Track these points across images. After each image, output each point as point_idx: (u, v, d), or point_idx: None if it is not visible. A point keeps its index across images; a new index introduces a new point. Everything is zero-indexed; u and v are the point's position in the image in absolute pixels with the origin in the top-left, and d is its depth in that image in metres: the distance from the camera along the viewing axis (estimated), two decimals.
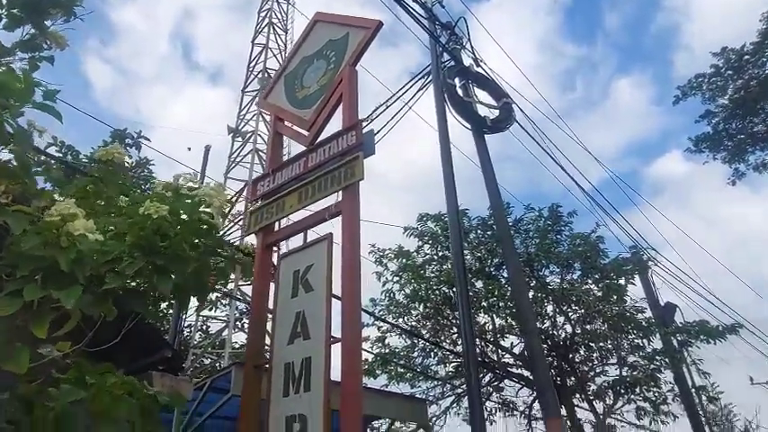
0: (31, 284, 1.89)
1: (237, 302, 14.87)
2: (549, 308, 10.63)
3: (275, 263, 3.82)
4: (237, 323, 15.48)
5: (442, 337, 10.74)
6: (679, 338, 10.16)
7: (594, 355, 10.92)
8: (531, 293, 9.83)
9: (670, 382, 10.14)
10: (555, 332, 10.47)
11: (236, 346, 14.17)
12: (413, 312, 10.60)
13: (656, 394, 10.14)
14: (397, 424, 8.75)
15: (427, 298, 10.29)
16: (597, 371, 10.62)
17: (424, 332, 10.67)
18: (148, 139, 7.42)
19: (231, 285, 12.96)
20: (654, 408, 10.19)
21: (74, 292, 1.90)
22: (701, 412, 10.43)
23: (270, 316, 3.71)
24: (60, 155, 4.57)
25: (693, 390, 10.07)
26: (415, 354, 10.80)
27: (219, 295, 13.81)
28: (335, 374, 2.98)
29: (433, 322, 10.70)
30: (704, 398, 12.90)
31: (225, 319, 15.28)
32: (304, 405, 2.91)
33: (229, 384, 6.46)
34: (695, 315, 11.17)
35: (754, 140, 16.26)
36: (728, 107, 16.05)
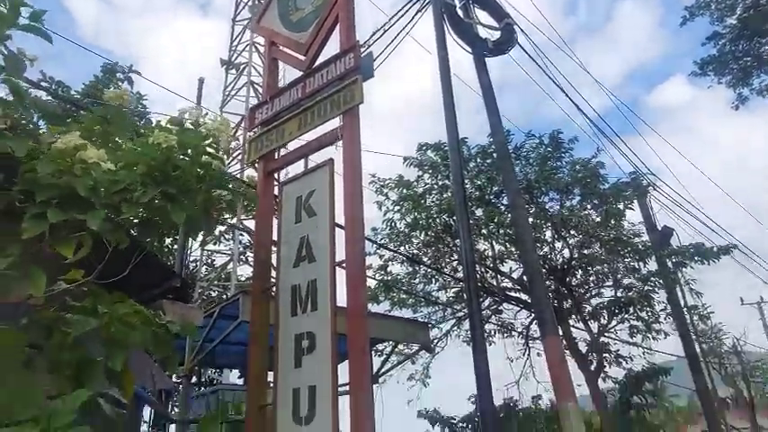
0: (53, 208, 1.92)
1: (241, 236, 15.11)
2: (548, 234, 10.80)
3: (277, 192, 3.84)
4: (242, 257, 15.81)
5: (443, 264, 11.00)
6: (674, 260, 10.40)
7: (591, 278, 11.24)
8: (530, 220, 9.97)
9: (663, 302, 10.51)
10: (553, 257, 10.70)
11: (242, 278, 14.53)
12: (414, 241, 10.79)
13: (650, 314, 10.54)
14: (401, 346, 9.14)
15: (428, 226, 10.44)
16: (593, 293, 10.97)
17: (425, 259, 10.92)
18: (139, 73, 7.23)
19: (234, 220, 13.11)
20: (646, 326, 10.62)
21: (97, 215, 1.94)
22: (691, 330, 10.81)
23: (275, 243, 3.78)
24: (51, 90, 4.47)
25: (685, 309, 10.43)
26: (417, 280, 11.12)
27: (223, 229, 14.00)
28: (341, 301, 3.08)
29: (434, 250, 10.92)
30: (695, 317, 13.42)
31: (229, 252, 15.59)
32: (312, 323, 3.04)
33: (238, 311, 6.71)
34: (691, 239, 11.39)
35: (759, 63, 15.79)
36: (736, 27, 15.44)
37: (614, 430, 8.95)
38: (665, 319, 10.67)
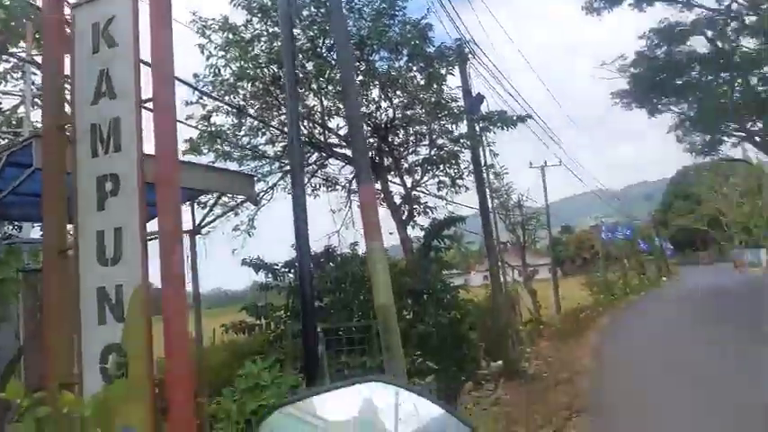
0: None
1: (34, 75, 12.67)
2: (375, 93, 11.11)
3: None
4: (36, 100, 13.42)
5: (271, 117, 10.77)
6: (481, 125, 11.67)
7: (411, 138, 12.13)
8: (359, 78, 10.08)
9: (467, 161, 11.92)
10: (378, 116, 11.16)
11: (38, 125, 12.49)
12: (240, 91, 10.25)
13: (456, 171, 11.93)
14: (225, 198, 9.08)
15: (255, 77, 9.93)
16: (411, 151, 11.95)
17: (251, 111, 10.54)
18: None
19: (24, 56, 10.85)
20: (452, 182, 12.07)
21: None
22: (486, 186, 12.51)
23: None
24: None
25: (484, 168, 12.03)
26: (243, 133, 10.80)
27: (9, 66, 11.61)
28: (149, 149, 2.88)
29: (262, 102, 10.56)
30: (492, 175, 15.64)
31: (20, 93, 13.11)
32: (115, 164, 2.85)
33: (32, 158, 5.90)
34: (498, 107, 12.79)
35: None
36: None
37: (417, 268, 10.43)
38: (467, 176, 12.19)
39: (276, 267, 9.66)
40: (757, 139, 26.26)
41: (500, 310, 11.34)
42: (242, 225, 11.19)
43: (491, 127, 11.53)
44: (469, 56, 12.87)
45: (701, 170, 60.81)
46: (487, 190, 13.78)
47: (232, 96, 10.26)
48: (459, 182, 12.18)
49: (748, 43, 23.78)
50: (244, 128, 10.76)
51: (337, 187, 12.06)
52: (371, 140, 10.85)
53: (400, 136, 11.99)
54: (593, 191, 40.07)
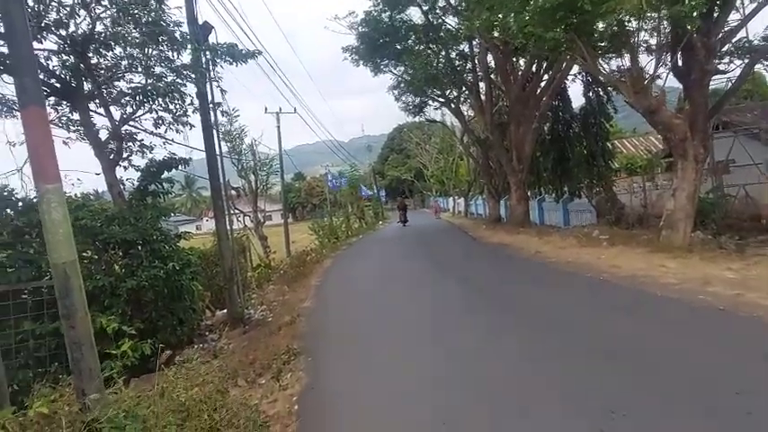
0: None
1: None
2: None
3: None
4: None
5: None
6: (208, 56, 10.55)
7: (122, 62, 10.22)
8: None
9: (191, 96, 10.70)
10: (73, 24, 8.97)
11: None
12: None
13: (178, 106, 10.63)
14: None
15: None
16: (120, 77, 10.08)
17: None
18: None
19: None
20: (174, 118, 10.75)
21: None
22: (214, 126, 11.54)
23: None
24: None
25: (212, 105, 10.99)
26: None
27: None
28: None
29: None
30: (221, 115, 14.58)
31: None
32: None
33: None
34: (228, 39, 11.73)
35: None
36: None
37: (131, 214, 9.06)
38: (193, 112, 10.98)
39: None
40: (452, 105, 31.32)
41: (226, 257, 10.84)
42: None
43: (218, 60, 10.53)
44: None
45: (411, 128, 70.18)
46: (215, 131, 12.80)
47: None
48: (183, 119, 10.93)
49: (451, 21, 27.69)
50: None
51: (15, 112, 9.43)
52: (63, 56, 8.69)
53: (108, 58, 9.98)
54: (324, 141, 42.21)
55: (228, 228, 11.01)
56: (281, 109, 30.26)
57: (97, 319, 7.02)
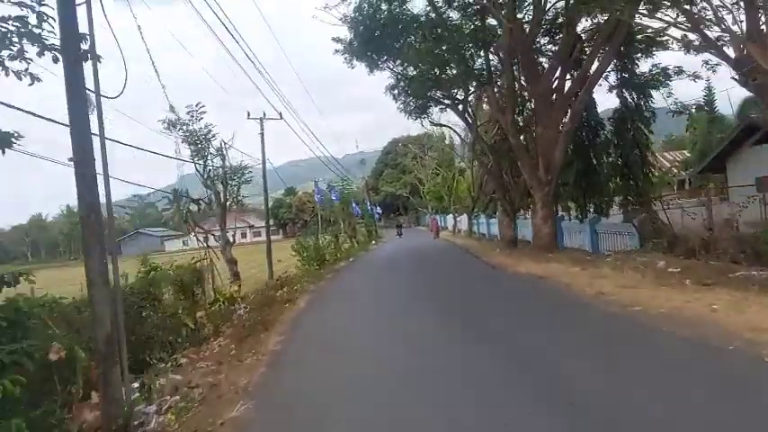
0: None
1: None
2: None
3: None
4: None
5: None
6: None
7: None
8: None
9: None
10: None
11: None
12: None
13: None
14: None
15: None
16: None
17: None
18: None
19: None
20: None
21: None
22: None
23: None
24: None
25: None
26: None
27: None
28: None
29: None
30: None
31: None
32: None
33: None
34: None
35: None
36: None
37: None
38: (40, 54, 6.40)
39: None
40: (460, 108, 26.97)
41: (100, 317, 6.07)
42: None
43: None
44: None
45: (407, 141, 66.03)
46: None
47: None
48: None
49: (455, 15, 23.60)
50: None
51: None
52: None
53: None
54: (318, 156, 37.93)
55: (110, 265, 6.21)
56: (264, 114, 25.78)
57: None
